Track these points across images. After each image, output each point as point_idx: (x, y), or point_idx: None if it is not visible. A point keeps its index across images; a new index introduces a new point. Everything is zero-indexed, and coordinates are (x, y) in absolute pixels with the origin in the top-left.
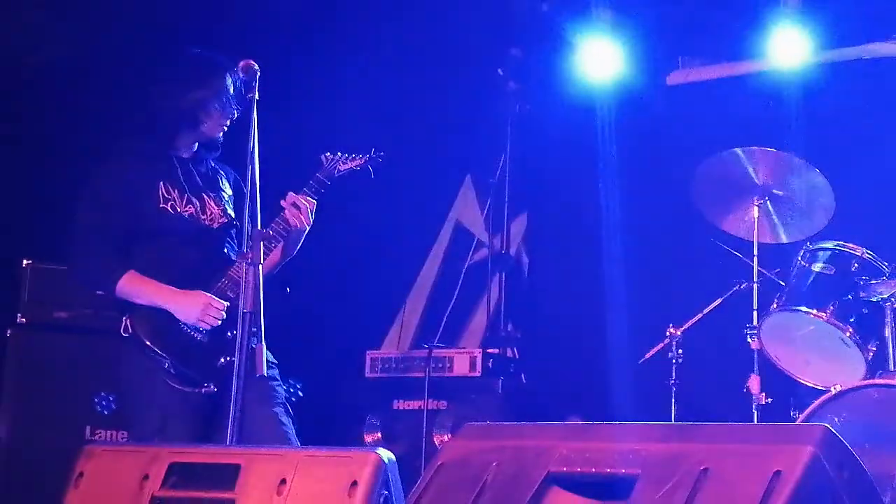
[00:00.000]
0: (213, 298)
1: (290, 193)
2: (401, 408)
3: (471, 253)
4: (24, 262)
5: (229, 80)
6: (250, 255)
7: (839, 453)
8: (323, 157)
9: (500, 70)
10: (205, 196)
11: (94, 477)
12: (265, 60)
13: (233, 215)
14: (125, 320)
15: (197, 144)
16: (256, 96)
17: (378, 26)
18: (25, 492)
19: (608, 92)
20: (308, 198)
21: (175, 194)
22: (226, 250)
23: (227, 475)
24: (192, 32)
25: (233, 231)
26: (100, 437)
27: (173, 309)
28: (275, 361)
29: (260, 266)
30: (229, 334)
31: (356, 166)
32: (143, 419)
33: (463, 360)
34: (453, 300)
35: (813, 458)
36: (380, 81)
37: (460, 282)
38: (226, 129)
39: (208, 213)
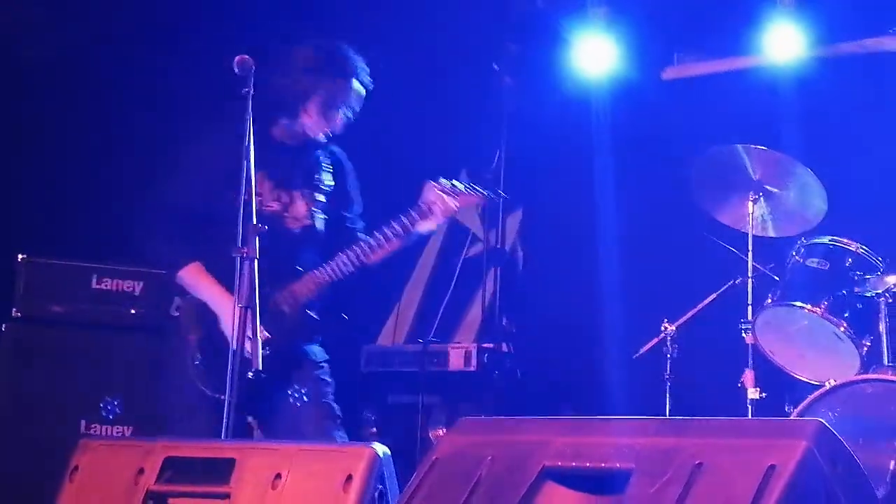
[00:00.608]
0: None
1: (432, 184)
2: (396, 402)
3: (466, 248)
4: (20, 256)
5: (355, 83)
6: (245, 251)
7: (833, 448)
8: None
9: (495, 65)
10: (296, 193)
11: (90, 471)
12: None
13: (322, 218)
14: (176, 301)
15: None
16: (252, 91)
17: (374, 20)
18: (20, 486)
19: (603, 87)
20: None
21: (266, 187)
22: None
23: (222, 469)
24: (189, 31)
25: (317, 237)
26: (95, 431)
27: (218, 314)
28: (327, 358)
29: (255, 261)
30: (267, 350)
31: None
32: (160, 400)
33: (458, 355)
34: (448, 295)
35: (807, 452)
36: (375, 75)
37: (455, 276)
38: (329, 135)
39: (292, 213)
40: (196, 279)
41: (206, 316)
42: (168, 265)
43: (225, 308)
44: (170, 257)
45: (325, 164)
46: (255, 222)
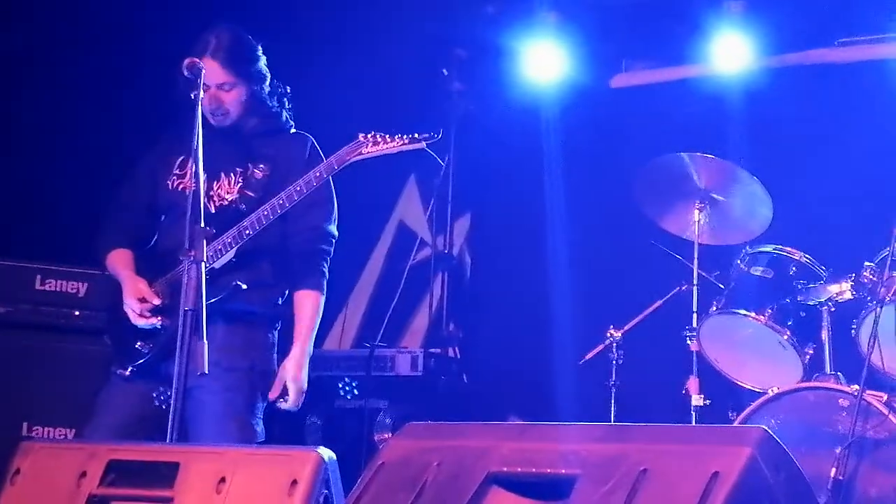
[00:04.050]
0: (142, 294)
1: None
2: (342, 407)
3: (414, 252)
4: None
5: (206, 60)
6: (192, 253)
7: (776, 455)
8: (362, 136)
9: (445, 70)
10: (222, 173)
11: (31, 474)
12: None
13: (250, 199)
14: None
15: (239, 112)
16: (201, 95)
17: (323, 23)
18: None
19: (553, 94)
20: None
21: (189, 169)
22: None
23: (166, 473)
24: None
25: (237, 214)
26: (37, 433)
27: (124, 295)
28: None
29: (203, 264)
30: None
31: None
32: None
33: (405, 360)
34: (396, 299)
35: (750, 459)
36: (324, 79)
37: (403, 281)
38: (218, 114)
39: (216, 191)
40: (112, 266)
41: (115, 296)
42: (98, 256)
43: (125, 289)
44: (98, 248)
45: (267, 147)
46: (202, 224)
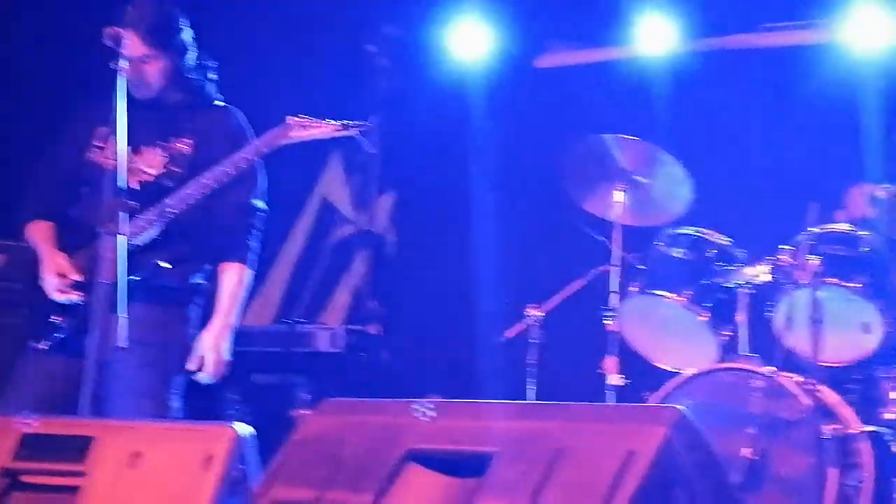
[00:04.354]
0: (61, 269)
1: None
2: (261, 382)
3: (336, 229)
4: None
5: (126, 32)
6: (111, 226)
7: (691, 434)
8: (290, 119)
9: (370, 46)
10: (143, 146)
11: None
12: None
13: (175, 176)
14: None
15: (161, 85)
16: (125, 65)
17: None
18: None
19: (478, 72)
20: None
21: (110, 141)
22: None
23: (79, 447)
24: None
25: (162, 190)
26: None
27: (41, 270)
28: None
29: (120, 236)
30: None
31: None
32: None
33: (324, 336)
34: (317, 275)
35: (666, 438)
36: (248, 52)
37: (325, 257)
38: (141, 77)
39: (138, 165)
40: (32, 237)
41: (33, 267)
42: (21, 226)
43: (44, 264)
44: (21, 218)
45: (190, 123)
46: (120, 196)
